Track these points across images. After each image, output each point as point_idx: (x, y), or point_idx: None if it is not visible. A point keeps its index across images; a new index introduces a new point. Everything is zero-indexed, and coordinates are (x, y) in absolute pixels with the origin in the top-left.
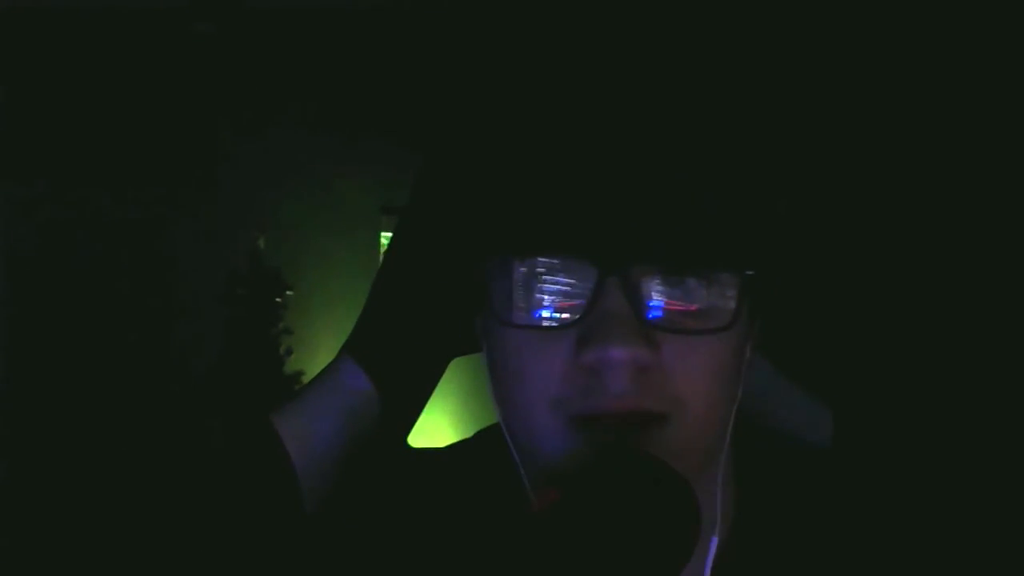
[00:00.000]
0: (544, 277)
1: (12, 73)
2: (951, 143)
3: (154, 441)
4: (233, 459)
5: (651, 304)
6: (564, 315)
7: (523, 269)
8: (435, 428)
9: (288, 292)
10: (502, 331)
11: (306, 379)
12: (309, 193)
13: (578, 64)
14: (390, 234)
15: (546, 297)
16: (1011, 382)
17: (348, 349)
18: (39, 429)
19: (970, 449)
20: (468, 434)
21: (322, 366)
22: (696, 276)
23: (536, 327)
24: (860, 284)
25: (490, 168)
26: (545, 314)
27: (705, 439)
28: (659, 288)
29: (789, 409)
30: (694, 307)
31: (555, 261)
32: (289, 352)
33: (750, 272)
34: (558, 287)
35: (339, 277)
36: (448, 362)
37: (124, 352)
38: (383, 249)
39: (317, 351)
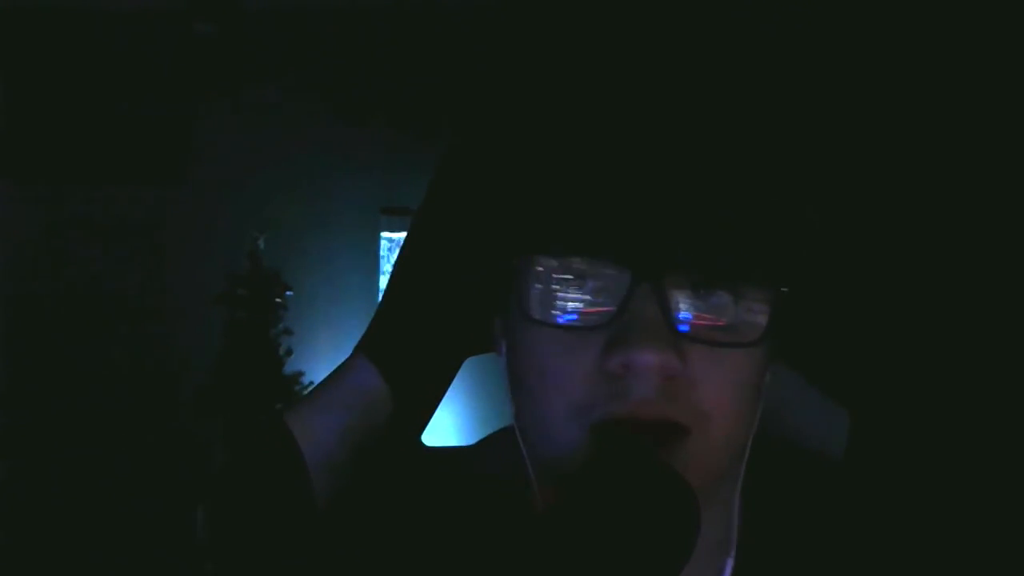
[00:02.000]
0: (576, 278)
1: (12, 73)
2: (974, 153)
3: (154, 441)
4: (246, 456)
5: (682, 314)
6: (593, 318)
7: (556, 269)
8: (445, 428)
9: (288, 292)
10: (528, 330)
11: (306, 379)
12: (309, 193)
13: (621, 71)
14: (390, 234)
15: (576, 298)
16: None
17: (362, 347)
18: (39, 429)
19: (988, 463)
20: (478, 435)
21: (322, 366)
22: (729, 289)
23: (564, 327)
24: (882, 290)
25: (528, 167)
26: (574, 315)
27: (724, 456)
28: (691, 299)
29: (804, 411)
30: (724, 320)
31: (589, 263)
32: (289, 352)
33: (784, 289)
34: (589, 290)
35: (339, 277)
36: (462, 361)
37: (124, 352)
38: (383, 249)
39: (317, 351)
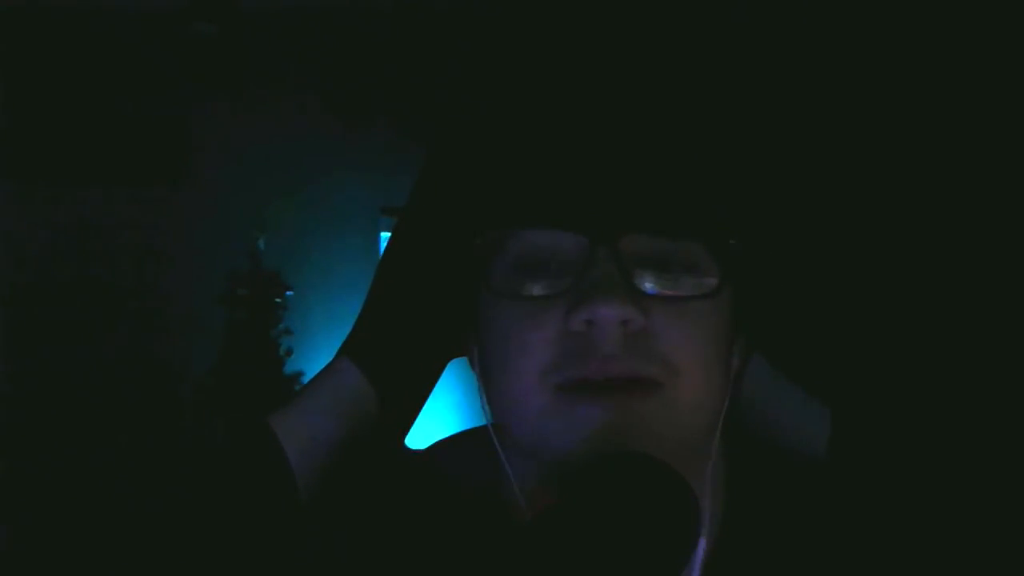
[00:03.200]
0: (537, 251)
1: (12, 73)
2: (947, 140)
3: (154, 442)
4: (231, 460)
5: (640, 272)
6: (556, 285)
7: (516, 243)
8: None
9: (288, 292)
10: (496, 306)
11: (306, 379)
12: (309, 193)
13: (561, 45)
14: (390, 234)
15: (539, 270)
16: (1014, 390)
17: (346, 350)
18: (39, 429)
19: (969, 458)
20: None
21: (322, 366)
22: (682, 244)
23: (529, 297)
24: (862, 285)
25: (484, 147)
26: (538, 286)
27: (695, 416)
28: (647, 257)
29: (787, 409)
30: (681, 275)
31: (547, 234)
32: (289, 352)
33: (734, 241)
34: (551, 263)
35: (339, 277)
36: (447, 363)
37: (124, 352)
38: (383, 249)
39: (317, 351)
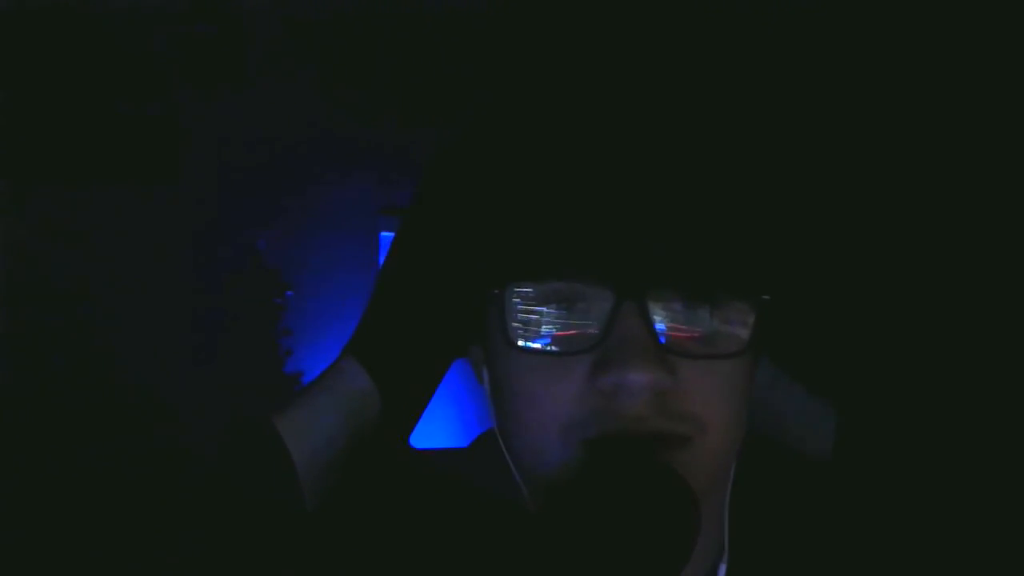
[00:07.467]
0: (558, 302)
1: (12, 74)
2: (949, 154)
3: (152, 442)
4: (235, 459)
5: (667, 329)
6: (579, 341)
7: (536, 294)
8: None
9: (288, 292)
10: (514, 357)
11: (306, 379)
12: (309, 193)
13: (593, 91)
14: (390, 234)
15: (560, 323)
16: (1018, 391)
17: (350, 349)
18: (39, 429)
19: (974, 460)
20: (474, 434)
21: (321, 366)
22: (711, 301)
23: (552, 352)
24: (866, 288)
25: (507, 195)
26: (559, 339)
27: (723, 461)
28: (675, 313)
29: (791, 408)
30: (709, 332)
31: (570, 286)
32: (289, 352)
33: (766, 297)
34: (572, 312)
35: (339, 277)
36: (451, 363)
37: (122, 352)
38: (382, 249)
39: (317, 351)
